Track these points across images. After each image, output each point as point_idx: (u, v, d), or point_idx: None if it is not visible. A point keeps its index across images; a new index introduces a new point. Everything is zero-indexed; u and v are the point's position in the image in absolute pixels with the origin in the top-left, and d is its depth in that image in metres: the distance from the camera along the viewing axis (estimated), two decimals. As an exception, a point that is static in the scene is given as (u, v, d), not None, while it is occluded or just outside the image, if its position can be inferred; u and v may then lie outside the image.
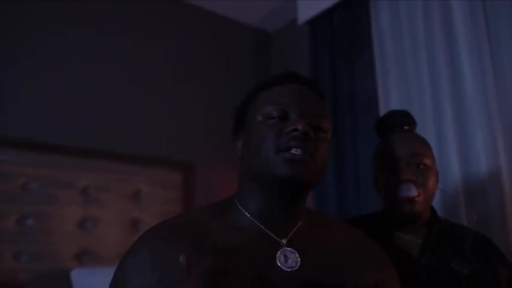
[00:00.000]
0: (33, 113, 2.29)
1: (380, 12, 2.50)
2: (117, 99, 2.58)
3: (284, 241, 0.84)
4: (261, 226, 0.86)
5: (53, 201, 2.22)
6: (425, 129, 2.13)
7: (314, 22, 2.83)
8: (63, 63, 2.44)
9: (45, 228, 2.18)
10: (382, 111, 2.33)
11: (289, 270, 0.81)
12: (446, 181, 1.99)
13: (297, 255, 0.83)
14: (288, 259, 0.82)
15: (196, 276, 0.76)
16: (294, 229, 0.87)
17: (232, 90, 3.12)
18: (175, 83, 2.84)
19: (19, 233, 2.11)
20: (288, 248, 0.83)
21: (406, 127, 1.27)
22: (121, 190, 2.42)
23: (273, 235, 0.85)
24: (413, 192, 1.15)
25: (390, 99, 2.37)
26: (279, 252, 0.82)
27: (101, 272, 1.97)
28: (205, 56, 3.06)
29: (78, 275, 1.94)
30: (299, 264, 0.82)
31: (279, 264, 0.81)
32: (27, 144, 2.20)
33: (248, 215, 0.87)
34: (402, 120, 1.28)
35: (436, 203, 1.34)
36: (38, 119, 2.30)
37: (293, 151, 0.79)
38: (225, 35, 3.23)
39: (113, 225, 2.37)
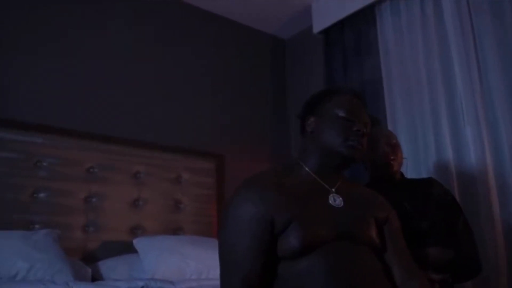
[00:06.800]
0: (95, 110, 2.72)
1: (384, 23, 2.93)
2: (165, 100, 3.05)
3: (333, 189, 1.26)
4: (318, 178, 1.27)
5: (110, 183, 2.64)
6: (423, 122, 2.58)
7: (327, 31, 3.26)
8: (101, 58, 2.86)
9: (105, 205, 2.59)
10: (388, 109, 2.77)
11: (338, 207, 1.23)
12: (441, 166, 2.45)
13: (341, 198, 1.25)
14: (336, 200, 1.24)
15: (282, 212, 1.13)
16: (338, 183, 1.29)
17: (255, 93, 3.59)
18: (212, 87, 3.33)
19: (86, 209, 2.52)
20: (336, 194, 1.25)
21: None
22: (165, 176, 2.85)
23: (325, 185, 1.26)
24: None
25: (394, 99, 2.79)
26: (330, 195, 1.24)
27: (159, 239, 2.40)
28: (231, 61, 3.51)
29: (140, 242, 2.35)
30: (343, 203, 1.24)
31: (331, 203, 1.23)
32: (90, 134, 2.62)
33: (309, 171, 1.28)
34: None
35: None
36: (100, 116, 2.74)
37: (355, 142, 1.25)
38: (246, 41, 3.68)
39: (159, 205, 2.79)
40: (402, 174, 1.88)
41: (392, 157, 1.78)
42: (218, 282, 2.02)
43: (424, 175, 2.47)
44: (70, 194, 2.49)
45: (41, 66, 2.62)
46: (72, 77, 2.71)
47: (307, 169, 1.28)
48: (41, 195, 2.40)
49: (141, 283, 1.86)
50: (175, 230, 2.82)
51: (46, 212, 2.39)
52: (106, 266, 2.27)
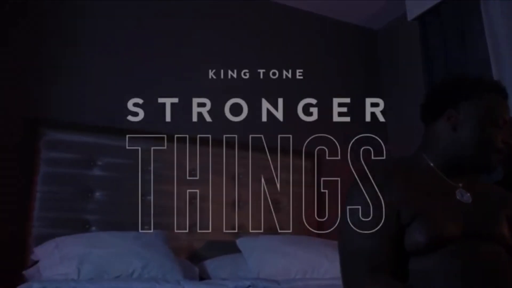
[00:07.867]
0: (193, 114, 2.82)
1: (489, 2, 2.68)
2: (260, 100, 3.05)
3: (460, 185, 1.18)
4: (443, 175, 1.19)
5: (211, 184, 2.71)
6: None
7: (423, 17, 3.07)
8: (192, 64, 2.96)
9: (207, 206, 2.66)
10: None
11: (466, 203, 1.15)
12: None
13: (469, 194, 1.17)
14: (463, 196, 1.16)
15: (408, 205, 1.09)
16: (465, 180, 1.20)
17: (348, 88, 3.48)
18: (304, 84, 3.26)
19: (190, 210, 2.62)
20: (463, 190, 1.18)
21: None
22: (263, 176, 2.85)
23: (450, 181, 1.19)
24: None
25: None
26: (457, 191, 1.17)
27: (262, 239, 2.42)
28: (322, 57, 3.46)
29: (244, 242, 2.38)
30: (471, 199, 1.16)
31: (459, 199, 1.15)
32: (190, 138, 2.70)
33: (434, 167, 1.20)
34: None
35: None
36: (199, 119, 2.81)
37: (501, 156, 1.17)
38: (336, 35, 3.60)
39: (258, 205, 2.80)
40: None
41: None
42: (324, 282, 2.00)
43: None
44: (175, 196, 2.59)
45: (145, 76, 2.77)
46: (171, 85, 2.83)
47: (431, 164, 1.20)
48: (148, 197, 2.53)
49: (247, 282, 1.88)
50: (275, 230, 2.82)
51: (154, 213, 2.50)
52: (211, 265, 2.33)
